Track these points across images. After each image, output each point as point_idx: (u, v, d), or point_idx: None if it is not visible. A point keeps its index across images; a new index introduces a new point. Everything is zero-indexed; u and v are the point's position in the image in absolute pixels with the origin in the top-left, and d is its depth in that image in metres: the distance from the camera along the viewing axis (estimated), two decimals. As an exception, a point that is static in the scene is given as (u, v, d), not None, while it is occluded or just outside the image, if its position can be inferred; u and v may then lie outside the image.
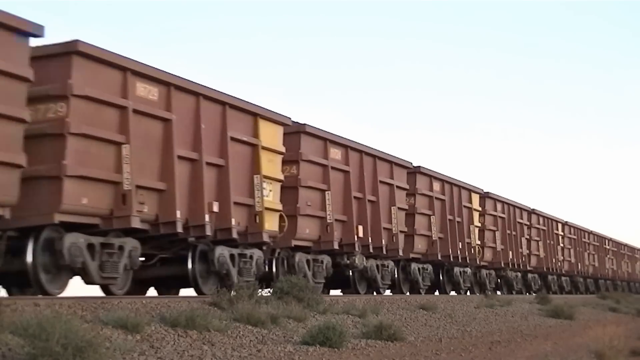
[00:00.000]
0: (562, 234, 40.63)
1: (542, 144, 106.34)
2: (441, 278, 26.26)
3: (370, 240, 19.96)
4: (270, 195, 16.33)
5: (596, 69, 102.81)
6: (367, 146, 20.33)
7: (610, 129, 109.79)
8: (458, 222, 26.14)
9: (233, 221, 14.86)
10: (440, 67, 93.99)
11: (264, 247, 16.44)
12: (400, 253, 21.59)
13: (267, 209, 15.96)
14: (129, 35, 76.42)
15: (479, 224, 28.41)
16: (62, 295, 11.91)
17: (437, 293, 26.33)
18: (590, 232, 47.41)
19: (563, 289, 41.57)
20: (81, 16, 73.00)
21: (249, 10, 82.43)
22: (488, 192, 29.72)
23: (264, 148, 16.01)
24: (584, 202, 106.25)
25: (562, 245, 40.52)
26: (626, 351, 12.54)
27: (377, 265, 21.08)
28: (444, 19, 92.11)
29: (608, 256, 52.34)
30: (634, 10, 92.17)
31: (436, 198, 24.62)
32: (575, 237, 43.51)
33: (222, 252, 15.01)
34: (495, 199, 30.56)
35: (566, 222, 41.80)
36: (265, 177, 16.05)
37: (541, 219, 37.03)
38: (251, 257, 15.83)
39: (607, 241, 52.20)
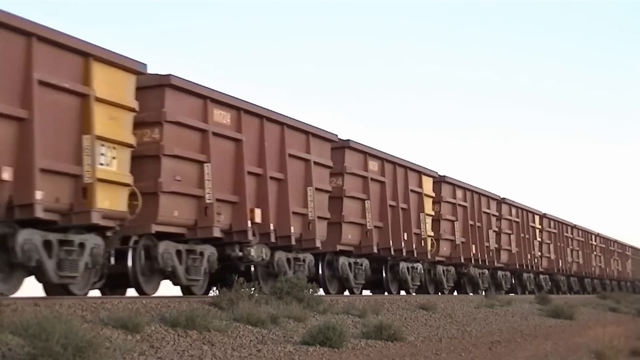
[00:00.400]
0: (539, 227, 36.59)
1: (537, 143, 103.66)
2: (384, 275, 22.30)
3: (272, 228, 15.98)
4: (114, 164, 12.39)
5: (581, 65, 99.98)
6: (270, 111, 16.35)
7: (602, 125, 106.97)
8: (403, 209, 22.15)
9: (38, 195, 10.88)
10: (430, 66, 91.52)
11: (109, 233, 12.51)
12: (318, 244, 17.60)
13: (103, 180, 12.01)
14: (130, 36, 75.19)
15: (432, 213, 24.40)
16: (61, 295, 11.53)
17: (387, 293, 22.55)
18: (573, 226, 43.43)
19: (542, 288, 37.54)
20: (82, 16, 71.84)
21: (250, 11, 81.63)
22: (444, 176, 25.69)
23: (100, 100, 12.05)
24: (578, 200, 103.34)
25: (539, 239, 36.49)
26: (626, 351, 12.51)
27: (289, 259, 17.11)
28: (439, 19, 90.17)
29: (595, 253, 48.37)
30: (635, 10, 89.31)
31: (372, 179, 20.61)
32: (555, 231, 39.51)
33: (29, 237, 11.05)
34: (455, 185, 26.52)
35: (544, 213, 37.78)
36: (104, 139, 12.12)
37: (514, 210, 33.02)
38: (82, 245, 11.89)
39: (593, 237, 48.22)
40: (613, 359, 11.56)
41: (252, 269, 16.60)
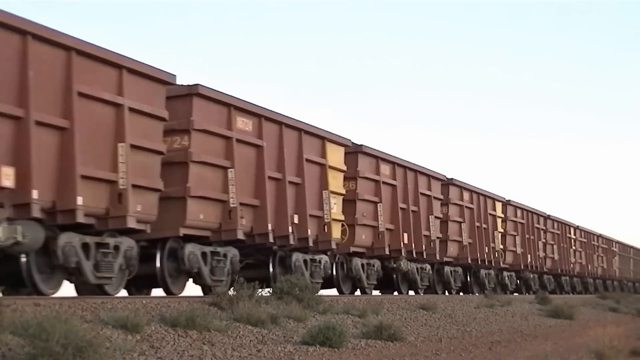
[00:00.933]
0: (501, 216, 31.35)
1: (525, 139, 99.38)
2: (272, 270, 17.11)
3: (36, 197, 10.82)
4: None
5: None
6: (43, 27, 11.18)
7: (592, 121, 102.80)
8: (294, 183, 16.96)
9: None
10: (431, 64, 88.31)
11: None
12: (132, 224, 12.39)
13: None
14: (129, 35, 73.18)
15: (343, 192, 19.21)
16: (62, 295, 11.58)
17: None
18: (547, 217, 38.25)
19: (506, 288, 32.37)
20: (82, 15, 69.85)
21: (246, 9, 79.74)
22: (362, 145, 20.43)
23: None
24: (577, 198, 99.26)
25: (502, 230, 31.28)
26: (626, 351, 12.58)
27: (86, 245, 11.96)
28: (437, 17, 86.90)
29: (574, 248, 43.14)
30: (634, 8, 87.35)
31: (240, 141, 15.28)
32: (523, 221, 34.32)
33: None
34: (378, 158, 21.21)
35: (509, 200, 32.57)
36: None
37: (466, 194, 27.74)
38: None
39: (572, 229, 43.00)
40: (613, 359, 11.45)
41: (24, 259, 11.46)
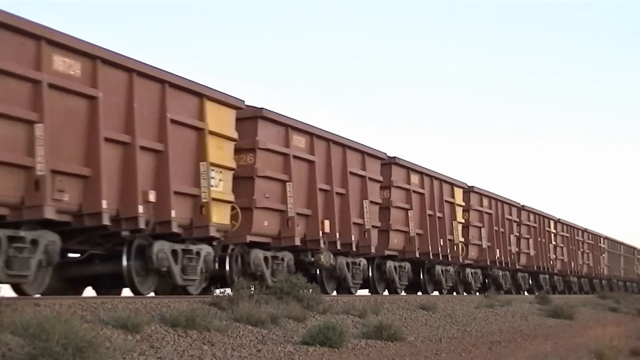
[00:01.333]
0: (462, 204, 27.32)
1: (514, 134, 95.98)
2: (125, 263, 13.17)
3: None
4: None
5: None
6: None
7: (589, 120, 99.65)
8: (150, 149, 13.04)
9: None
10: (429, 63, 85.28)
11: None
12: None
13: None
14: (126, 34, 71.18)
15: (233, 166, 15.23)
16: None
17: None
18: (521, 208, 34.32)
19: (470, 287, 28.43)
20: (82, 15, 68.12)
21: (246, 9, 77.87)
22: (262, 109, 16.39)
23: None
24: (574, 197, 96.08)
25: (462, 221, 27.29)
26: (626, 351, 12.59)
27: None
28: (436, 15, 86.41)
29: (554, 243, 39.22)
30: (633, 8, 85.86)
31: (56, 88, 11.31)
32: (491, 211, 30.36)
33: None
34: (289, 126, 17.14)
35: (472, 187, 28.57)
36: None
37: (415, 177, 23.66)
38: None
39: (552, 223, 39.06)
40: (613, 359, 11.53)
41: None
